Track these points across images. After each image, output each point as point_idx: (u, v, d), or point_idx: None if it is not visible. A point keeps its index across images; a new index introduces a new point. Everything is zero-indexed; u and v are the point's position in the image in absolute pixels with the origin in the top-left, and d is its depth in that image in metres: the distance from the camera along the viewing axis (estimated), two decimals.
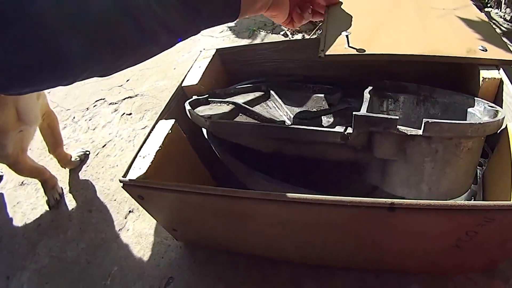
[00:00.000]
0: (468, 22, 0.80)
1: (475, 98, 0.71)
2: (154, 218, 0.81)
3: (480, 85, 0.71)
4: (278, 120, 0.78)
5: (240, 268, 0.86)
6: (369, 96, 0.72)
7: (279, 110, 0.85)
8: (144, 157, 0.70)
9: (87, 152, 1.38)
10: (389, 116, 0.58)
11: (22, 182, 1.37)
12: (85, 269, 0.98)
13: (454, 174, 0.64)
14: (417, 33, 0.76)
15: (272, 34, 1.70)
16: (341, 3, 0.85)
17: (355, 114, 0.59)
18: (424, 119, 0.56)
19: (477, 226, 0.54)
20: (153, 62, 1.76)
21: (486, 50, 0.72)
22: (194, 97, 0.83)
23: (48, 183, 1.25)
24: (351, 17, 0.81)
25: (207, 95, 0.84)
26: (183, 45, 1.80)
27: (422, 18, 0.81)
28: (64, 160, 1.32)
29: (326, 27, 0.80)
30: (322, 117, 0.79)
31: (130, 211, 1.09)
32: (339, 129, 0.62)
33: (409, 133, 0.58)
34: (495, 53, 0.72)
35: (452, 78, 0.80)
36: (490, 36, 0.77)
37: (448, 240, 0.61)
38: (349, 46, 0.72)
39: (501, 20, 1.59)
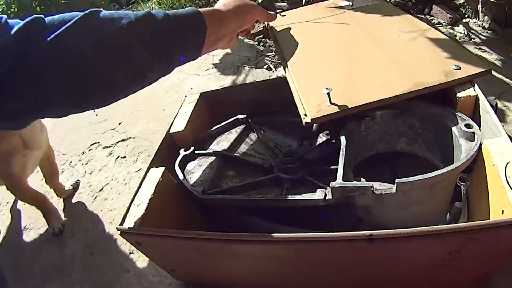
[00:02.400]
0: (431, 44, 0.84)
1: (452, 111, 0.74)
2: (153, 261, 0.85)
3: (457, 104, 0.74)
4: (264, 163, 0.83)
5: None
6: (345, 141, 0.73)
7: (263, 143, 0.90)
8: (138, 205, 0.75)
9: (78, 181, 1.51)
10: (363, 184, 0.63)
11: (25, 227, 1.41)
12: None
13: (430, 207, 0.69)
14: (392, 70, 0.78)
15: (256, 68, 1.76)
16: (296, 42, 0.89)
17: (332, 186, 0.64)
18: (396, 180, 0.60)
19: (460, 246, 0.57)
20: (144, 104, 1.82)
21: (460, 68, 0.76)
22: (182, 152, 0.88)
23: (50, 213, 1.32)
24: (313, 62, 0.84)
25: (193, 148, 0.88)
26: (171, 86, 1.87)
27: (386, 51, 0.84)
28: (60, 189, 1.45)
29: (295, 83, 0.81)
30: (304, 156, 0.82)
31: (130, 253, 1.13)
32: (320, 195, 0.67)
33: (383, 193, 0.62)
34: (469, 69, 0.76)
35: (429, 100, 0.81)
36: (457, 52, 0.81)
37: (432, 262, 0.64)
38: (331, 103, 0.73)
39: (479, 29, 1.64)
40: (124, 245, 1.16)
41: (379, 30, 0.96)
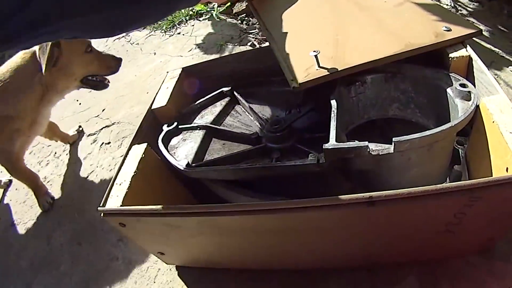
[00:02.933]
0: (419, 9, 0.81)
1: (446, 72, 0.71)
2: (140, 244, 0.81)
3: (450, 65, 0.71)
4: (251, 134, 0.78)
5: (232, 285, 0.87)
6: (335, 104, 0.69)
7: (249, 115, 0.86)
8: (120, 184, 0.71)
9: (80, 127, 1.66)
10: (359, 144, 0.59)
11: (12, 223, 1.38)
12: None
13: (429, 169, 0.65)
14: (381, 33, 0.76)
15: (240, 46, 1.72)
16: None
17: (325, 148, 0.60)
18: (394, 139, 0.56)
19: (465, 207, 0.55)
20: (127, 89, 1.78)
21: (451, 30, 0.73)
22: (165, 127, 0.84)
23: (40, 190, 1.38)
24: (298, 30, 0.81)
25: (177, 123, 0.85)
26: (154, 69, 1.83)
27: (373, 17, 0.81)
28: (66, 137, 1.57)
29: (280, 50, 0.78)
30: (293, 124, 0.78)
31: (118, 240, 1.10)
32: (312, 160, 0.63)
33: (381, 153, 0.59)
34: (460, 30, 0.74)
35: (421, 63, 0.78)
36: (446, 15, 0.78)
37: (436, 227, 0.61)
38: (319, 66, 0.69)
39: (466, 1, 1.62)
40: (112, 233, 1.13)
41: None
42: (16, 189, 1.55)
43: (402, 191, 0.52)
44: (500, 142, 0.57)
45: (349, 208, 0.55)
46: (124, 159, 0.76)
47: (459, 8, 1.60)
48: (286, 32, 0.82)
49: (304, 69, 0.70)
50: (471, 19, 1.51)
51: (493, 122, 0.59)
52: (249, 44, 1.71)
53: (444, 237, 0.64)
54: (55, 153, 1.61)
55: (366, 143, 0.58)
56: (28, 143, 1.34)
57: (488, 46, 1.33)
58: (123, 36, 2.23)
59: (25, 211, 1.41)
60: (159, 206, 0.64)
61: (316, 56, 0.68)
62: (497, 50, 1.31)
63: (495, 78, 1.16)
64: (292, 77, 0.70)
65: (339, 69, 0.68)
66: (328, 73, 0.68)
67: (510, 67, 1.23)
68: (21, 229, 1.34)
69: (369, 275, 0.79)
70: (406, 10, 0.82)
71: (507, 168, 0.56)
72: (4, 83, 1.14)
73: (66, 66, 1.18)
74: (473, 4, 1.59)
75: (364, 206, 0.54)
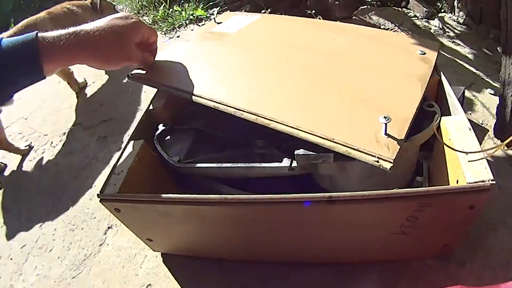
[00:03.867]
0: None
1: None
2: (131, 230, 0.89)
3: None
4: (238, 138, 0.86)
5: (212, 272, 0.94)
6: None
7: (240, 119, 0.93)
8: (118, 174, 0.79)
9: (31, 145, 1.71)
10: (325, 153, 0.67)
11: (5, 207, 1.43)
12: (70, 285, 1.05)
13: (392, 178, 0.72)
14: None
15: None
16: None
17: (296, 154, 0.69)
18: None
19: (416, 212, 0.62)
20: (125, 87, 1.84)
21: (425, 53, 0.83)
22: (160, 127, 0.91)
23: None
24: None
25: (171, 124, 0.92)
26: None
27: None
28: (13, 148, 1.65)
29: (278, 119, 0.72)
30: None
31: (109, 227, 1.17)
32: (286, 163, 0.72)
33: (345, 161, 0.66)
34: (432, 54, 0.83)
35: None
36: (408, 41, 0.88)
37: (392, 228, 0.68)
38: (387, 135, 0.63)
39: (454, 24, 1.70)
40: (104, 221, 1.20)
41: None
42: (10, 174, 1.60)
43: (358, 193, 0.60)
44: (454, 158, 0.65)
45: (312, 205, 0.63)
46: (123, 152, 0.84)
47: (447, 30, 1.67)
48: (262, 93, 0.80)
49: (370, 140, 0.62)
50: (458, 41, 1.58)
51: (449, 139, 0.67)
52: None
53: (401, 239, 0.71)
54: (52, 142, 1.67)
55: (332, 153, 0.66)
56: None
57: (471, 68, 1.41)
58: None
59: (19, 197, 1.46)
60: (151, 195, 0.72)
61: (386, 124, 0.61)
62: (478, 72, 1.38)
63: (473, 99, 1.26)
64: (376, 156, 0.60)
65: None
66: (399, 146, 0.61)
67: (489, 89, 1.30)
68: (16, 213, 1.38)
69: (335, 270, 0.86)
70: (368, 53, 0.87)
71: (457, 180, 0.64)
72: None
73: None
74: (461, 27, 1.67)
75: (324, 204, 0.62)
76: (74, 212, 1.28)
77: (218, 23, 1.14)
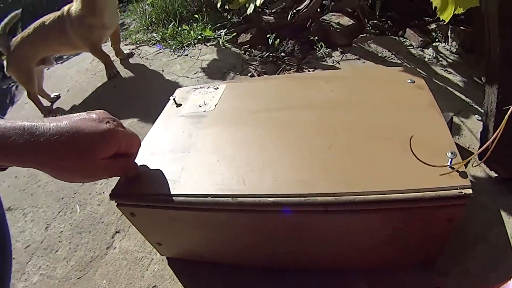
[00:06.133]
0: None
1: None
2: (142, 233, 0.93)
3: None
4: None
5: (218, 276, 0.98)
6: None
7: None
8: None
9: (133, 51, 2.33)
10: None
11: (9, 207, 1.47)
12: (75, 284, 1.09)
13: None
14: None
15: (240, 75, 1.86)
16: None
17: None
18: None
19: (400, 223, 0.68)
20: (135, 100, 1.90)
21: (414, 81, 0.89)
22: None
23: (109, 65, 2.14)
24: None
25: None
26: (163, 85, 1.95)
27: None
28: (119, 52, 2.28)
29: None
30: None
31: (116, 232, 1.21)
32: None
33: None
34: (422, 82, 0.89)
35: None
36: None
37: (379, 237, 0.74)
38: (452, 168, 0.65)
39: (447, 53, 1.78)
40: (111, 225, 1.24)
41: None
42: (16, 176, 1.63)
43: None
44: None
45: (305, 213, 0.69)
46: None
47: (440, 59, 1.75)
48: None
49: (442, 179, 0.64)
50: (450, 69, 1.66)
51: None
52: (249, 74, 1.85)
53: (387, 248, 0.77)
54: None
55: None
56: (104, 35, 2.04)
57: (461, 95, 1.48)
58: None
59: (24, 199, 1.50)
60: (169, 198, 0.76)
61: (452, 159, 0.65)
62: (467, 99, 1.45)
63: (461, 124, 1.33)
64: (458, 187, 0.62)
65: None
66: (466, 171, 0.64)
67: (476, 115, 1.36)
68: (19, 215, 1.42)
69: (324, 277, 0.91)
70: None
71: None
72: None
73: None
74: (453, 56, 1.74)
75: (319, 214, 0.68)
76: (81, 217, 1.32)
77: (178, 105, 1.08)
